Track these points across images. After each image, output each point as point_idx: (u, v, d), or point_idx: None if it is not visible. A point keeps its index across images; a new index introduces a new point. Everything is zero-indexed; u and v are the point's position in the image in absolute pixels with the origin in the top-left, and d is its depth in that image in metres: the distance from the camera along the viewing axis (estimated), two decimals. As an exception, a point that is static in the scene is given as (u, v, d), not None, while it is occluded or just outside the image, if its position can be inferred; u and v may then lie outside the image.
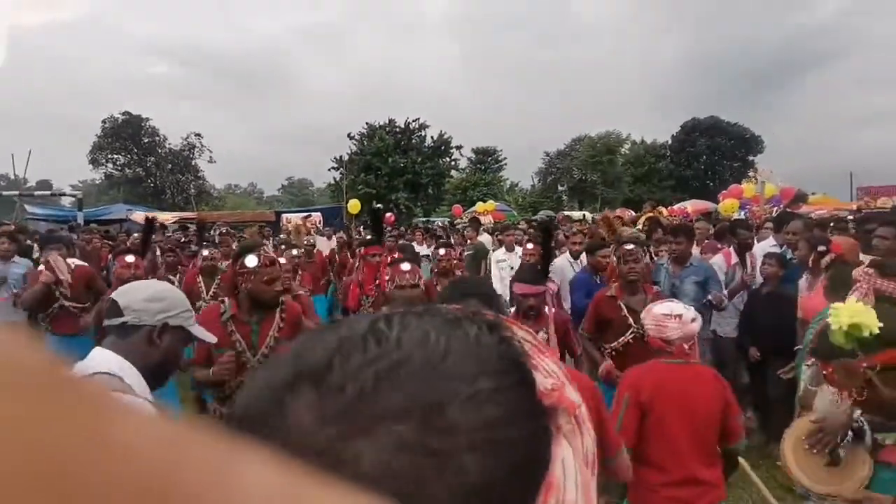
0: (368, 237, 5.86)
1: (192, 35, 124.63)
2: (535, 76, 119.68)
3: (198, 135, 43.30)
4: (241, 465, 0.16)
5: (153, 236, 6.55)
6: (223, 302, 2.78)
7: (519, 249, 6.27)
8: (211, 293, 4.75)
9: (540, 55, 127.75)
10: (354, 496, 0.19)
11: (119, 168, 41.07)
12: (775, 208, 11.05)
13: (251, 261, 2.67)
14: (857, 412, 2.27)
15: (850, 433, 2.21)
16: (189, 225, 15.20)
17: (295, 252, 5.73)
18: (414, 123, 35.22)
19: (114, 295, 1.67)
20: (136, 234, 9.17)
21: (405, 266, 2.97)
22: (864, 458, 2.11)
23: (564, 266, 5.27)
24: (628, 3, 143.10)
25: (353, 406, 0.33)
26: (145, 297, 1.62)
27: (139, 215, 18.08)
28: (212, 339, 1.86)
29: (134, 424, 0.15)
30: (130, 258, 4.20)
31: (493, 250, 7.18)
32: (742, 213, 12.67)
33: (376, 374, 0.34)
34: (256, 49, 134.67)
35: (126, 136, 40.07)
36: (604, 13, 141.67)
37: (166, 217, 18.39)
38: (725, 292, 4.53)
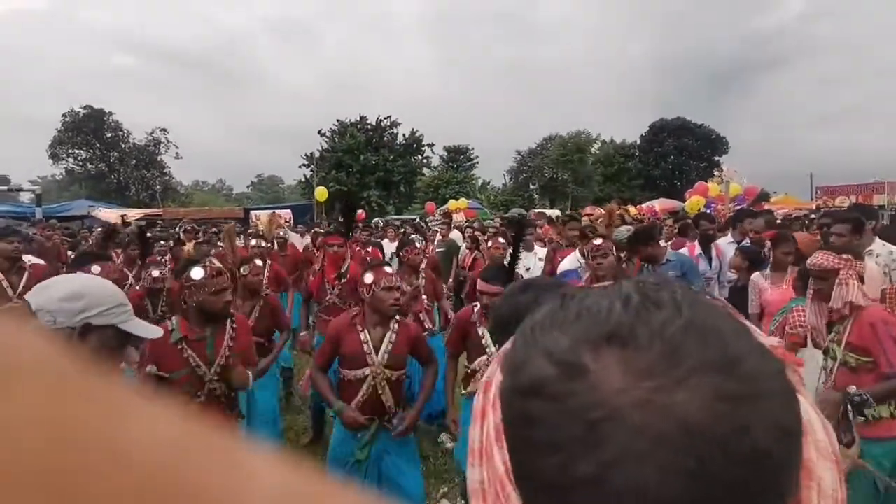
0: (332, 227, 5.84)
1: (158, 27, 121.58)
2: (507, 76, 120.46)
3: (163, 130, 42.31)
4: (250, 464, 0.16)
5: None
6: (170, 319, 2.69)
7: (539, 250, 5.95)
8: (160, 312, 4.41)
9: (513, 55, 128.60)
10: (363, 496, 0.18)
11: (80, 163, 39.83)
12: (739, 207, 11.30)
13: (197, 273, 2.62)
14: (853, 387, 2.36)
15: (849, 409, 2.31)
16: (159, 222, 14.90)
17: (254, 242, 5.51)
18: (385, 121, 35.04)
19: (28, 295, 1.49)
20: (98, 230, 8.88)
21: (388, 269, 3.01)
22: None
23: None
24: (599, 4, 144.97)
25: (665, 361, 0.36)
26: (61, 295, 1.44)
27: (105, 212, 17.56)
28: (156, 332, 1.68)
29: (143, 422, 0.15)
30: (97, 269, 4.02)
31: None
32: (707, 211, 12.96)
33: (680, 332, 0.37)
34: (226, 43, 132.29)
35: (88, 131, 38.87)
36: (575, 14, 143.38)
37: (132, 214, 17.92)
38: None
